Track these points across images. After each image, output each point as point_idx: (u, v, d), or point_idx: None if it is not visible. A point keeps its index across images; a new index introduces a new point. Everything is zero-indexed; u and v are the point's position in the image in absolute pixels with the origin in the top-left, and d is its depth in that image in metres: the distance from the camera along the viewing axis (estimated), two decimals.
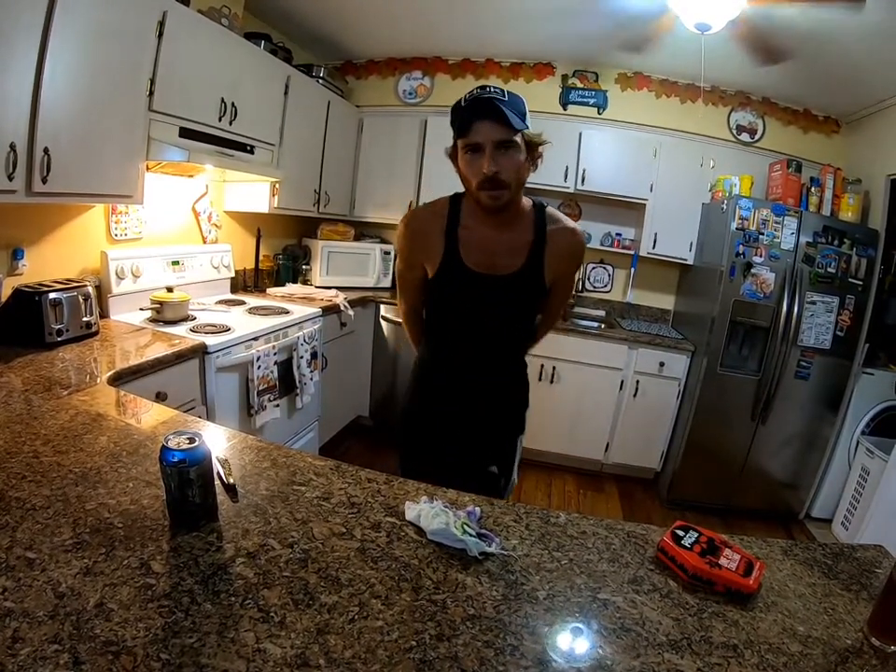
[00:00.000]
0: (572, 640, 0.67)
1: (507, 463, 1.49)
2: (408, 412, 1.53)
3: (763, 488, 3.11)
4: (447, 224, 1.29)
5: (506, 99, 1.12)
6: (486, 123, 1.12)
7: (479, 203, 1.21)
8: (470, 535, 0.82)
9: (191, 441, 0.80)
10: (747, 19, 2.27)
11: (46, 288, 1.79)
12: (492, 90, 1.13)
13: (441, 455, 1.42)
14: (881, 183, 2.88)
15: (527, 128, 1.16)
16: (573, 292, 1.41)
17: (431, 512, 0.87)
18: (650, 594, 0.76)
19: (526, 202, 1.31)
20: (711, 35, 2.34)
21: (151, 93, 1.96)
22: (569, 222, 1.34)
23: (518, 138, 1.15)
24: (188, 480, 0.78)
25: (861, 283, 2.84)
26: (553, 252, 1.29)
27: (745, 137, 3.44)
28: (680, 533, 0.85)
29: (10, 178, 1.52)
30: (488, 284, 1.28)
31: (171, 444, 0.79)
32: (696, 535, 0.85)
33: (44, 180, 1.61)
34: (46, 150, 1.60)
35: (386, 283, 3.76)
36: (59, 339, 1.76)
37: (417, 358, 1.53)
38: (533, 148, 1.20)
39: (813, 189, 2.99)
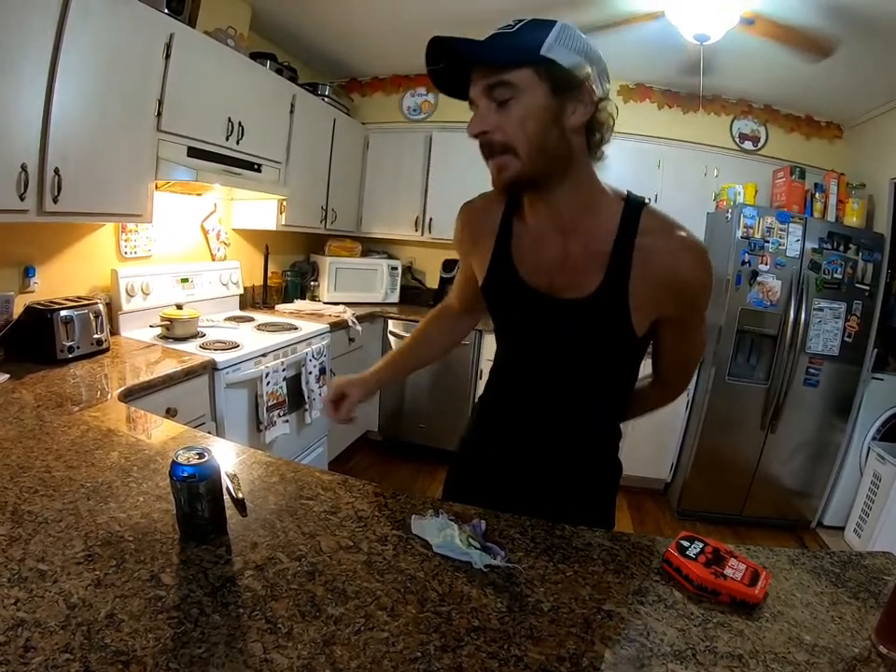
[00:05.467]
0: (576, 650, 0.67)
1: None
2: (462, 453, 1.20)
3: (775, 497, 3.08)
4: (504, 212, 0.97)
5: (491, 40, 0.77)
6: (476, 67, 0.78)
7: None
8: (476, 547, 0.83)
9: (201, 456, 0.81)
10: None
11: (57, 306, 1.82)
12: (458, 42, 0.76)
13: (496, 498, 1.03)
14: (885, 187, 2.88)
15: (537, 60, 0.74)
16: (701, 346, 1.05)
17: (437, 525, 0.87)
18: (654, 604, 0.76)
19: (612, 193, 0.89)
20: (710, 45, 2.36)
21: (159, 114, 2.01)
22: (680, 231, 0.85)
23: (521, 76, 0.75)
24: (197, 494, 0.79)
25: (867, 288, 2.83)
26: (644, 277, 0.84)
27: (748, 145, 3.46)
28: (686, 544, 0.85)
29: (22, 198, 1.55)
30: (548, 308, 0.91)
31: (181, 459, 0.80)
32: (702, 545, 0.85)
33: (55, 200, 1.65)
34: (56, 171, 1.64)
35: (394, 298, 3.80)
36: (70, 355, 1.79)
37: (479, 398, 1.19)
38: (568, 87, 0.76)
39: (817, 195, 2.99)
